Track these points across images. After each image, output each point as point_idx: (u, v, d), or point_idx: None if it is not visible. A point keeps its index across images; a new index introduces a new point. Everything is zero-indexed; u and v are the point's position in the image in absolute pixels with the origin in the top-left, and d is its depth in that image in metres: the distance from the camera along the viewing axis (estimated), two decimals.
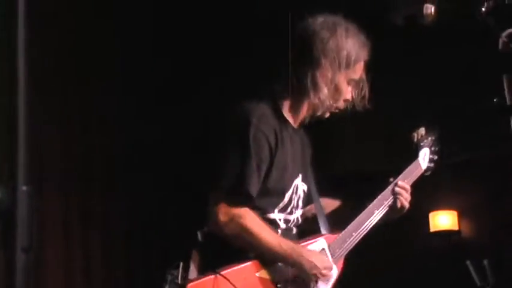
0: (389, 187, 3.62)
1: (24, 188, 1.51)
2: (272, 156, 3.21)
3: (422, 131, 3.77)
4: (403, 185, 3.61)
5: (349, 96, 3.40)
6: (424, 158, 3.78)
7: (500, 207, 6.11)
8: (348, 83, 3.36)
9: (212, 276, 3.04)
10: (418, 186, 6.74)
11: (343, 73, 3.32)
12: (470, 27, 2.93)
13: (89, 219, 5.46)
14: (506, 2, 2.93)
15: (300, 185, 3.40)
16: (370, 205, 3.58)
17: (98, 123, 5.74)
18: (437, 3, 3.16)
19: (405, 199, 3.61)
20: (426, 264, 6.67)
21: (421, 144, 3.76)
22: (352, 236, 3.51)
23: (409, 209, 3.67)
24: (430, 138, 3.81)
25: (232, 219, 3.11)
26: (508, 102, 2.74)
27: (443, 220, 6.95)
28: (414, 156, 3.73)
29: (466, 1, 3.06)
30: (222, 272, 3.03)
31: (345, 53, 3.30)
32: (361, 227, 3.56)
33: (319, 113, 3.37)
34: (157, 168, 6.17)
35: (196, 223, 3.26)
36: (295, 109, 3.36)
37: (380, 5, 4.16)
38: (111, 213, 5.63)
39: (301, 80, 3.29)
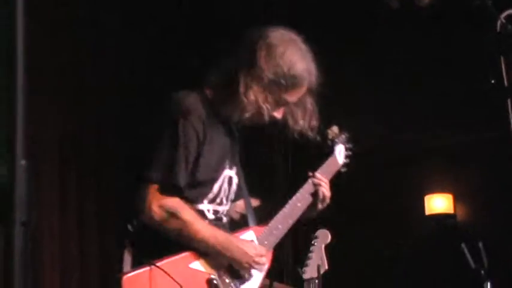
0: (309, 180, 3.61)
1: (22, 162, 1.51)
2: (200, 147, 3.22)
3: (335, 129, 3.84)
4: (321, 177, 3.61)
5: (277, 115, 3.38)
6: (340, 154, 3.84)
7: (495, 190, 6.12)
8: (278, 101, 3.34)
9: (147, 268, 3.04)
10: (413, 170, 6.84)
11: (276, 87, 3.29)
12: (468, 9, 2.93)
13: (84, 192, 5.47)
14: None
15: (233, 177, 3.43)
16: (293, 198, 3.58)
17: (91, 94, 5.73)
18: None
19: (326, 190, 3.61)
20: (421, 247, 6.70)
21: (336, 141, 3.83)
22: (278, 228, 3.49)
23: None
24: (343, 136, 3.88)
25: (166, 211, 3.13)
26: (506, 84, 2.74)
27: (438, 203, 6.98)
28: (330, 152, 3.78)
29: None
30: (156, 262, 3.03)
31: (285, 69, 3.29)
32: (286, 219, 3.53)
33: (244, 116, 3.32)
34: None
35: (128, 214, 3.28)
36: (224, 103, 3.33)
37: None
38: (105, 185, 5.63)
39: (236, 77, 3.27)
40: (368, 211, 6.79)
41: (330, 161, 3.77)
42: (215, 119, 3.31)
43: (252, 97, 3.26)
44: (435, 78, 6.51)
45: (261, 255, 3.34)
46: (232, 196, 3.44)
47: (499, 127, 2.73)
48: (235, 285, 3.30)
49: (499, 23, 2.79)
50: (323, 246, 3.88)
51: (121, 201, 5.63)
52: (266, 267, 3.40)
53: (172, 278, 3.04)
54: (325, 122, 3.72)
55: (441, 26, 6.09)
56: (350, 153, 3.90)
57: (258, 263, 3.32)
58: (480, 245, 4.46)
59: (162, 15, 6.28)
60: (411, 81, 6.67)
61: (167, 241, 3.13)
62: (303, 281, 3.87)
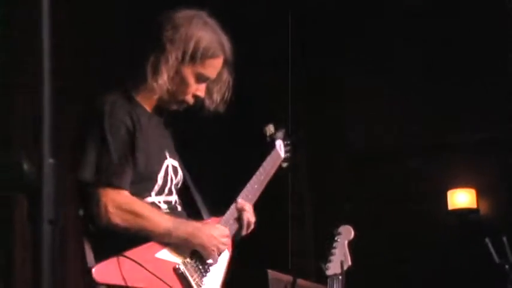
0: (233, 206, 3.53)
1: (50, 160, 1.53)
2: (133, 140, 3.15)
3: (271, 127, 3.86)
4: (244, 202, 3.51)
5: (200, 93, 3.33)
6: (281, 148, 3.86)
7: None
8: (198, 78, 3.29)
9: (114, 258, 2.99)
10: (436, 165, 6.84)
11: (190, 65, 3.25)
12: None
13: None
14: None
15: (177, 167, 3.36)
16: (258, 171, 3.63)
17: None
18: None
19: (250, 215, 3.51)
20: (445, 242, 6.68)
21: (274, 137, 3.84)
22: (232, 222, 3.47)
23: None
24: (281, 132, 3.89)
25: (123, 210, 3.06)
26: None
27: (461, 198, 6.95)
28: (272, 147, 3.81)
29: None
30: (123, 253, 2.99)
31: (192, 44, 3.23)
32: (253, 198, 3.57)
33: (166, 101, 3.30)
34: None
35: None
36: (145, 95, 3.27)
37: None
38: None
39: (146, 66, 3.20)
40: (392, 207, 6.79)
41: (272, 154, 3.77)
42: (140, 112, 3.24)
43: (161, 81, 3.19)
44: (459, 78, 6.51)
45: (226, 236, 3.30)
46: (180, 185, 3.37)
47: None
48: (203, 270, 3.25)
49: None
50: (346, 242, 3.88)
51: None
52: (229, 255, 3.38)
53: (142, 265, 3.00)
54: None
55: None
56: (289, 148, 3.91)
57: (224, 244, 3.28)
58: (504, 239, 4.45)
59: None
60: (435, 79, 6.67)
61: (120, 235, 3.05)
62: (326, 277, 3.88)
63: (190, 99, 3.32)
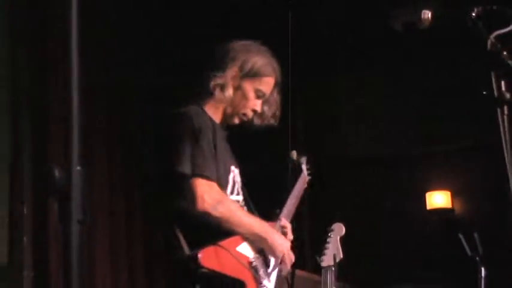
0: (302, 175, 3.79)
1: (78, 168, 1.52)
2: (215, 143, 3.21)
3: (294, 153, 3.93)
4: (285, 224, 3.53)
5: (257, 108, 3.41)
6: (305, 172, 3.91)
7: (487, 188, 6.08)
8: (256, 94, 3.39)
9: (212, 247, 3.03)
10: (416, 170, 6.82)
11: (249, 81, 3.35)
12: (463, 30, 2.92)
13: (131, 193, 5.49)
14: (494, 8, 2.92)
15: (236, 173, 3.38)
16: (291, 194, 3.68)
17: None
18: (433, 9, 3.14)
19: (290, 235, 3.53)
20: (424, 238, 6.67)
21: (300, 161, 3.92)
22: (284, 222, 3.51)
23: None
24: (303, 158, 3.94)
25: (216, 201, 3.08)
26: (496, 95, 2.73)
27: (438, 199, 6.94)
28: (300, 170, 3.89)
29: (458, 7, 3.05)
30: (218, 243, 3.04)
31: (250, 64, 3.35)
32: (290, 214, 3.61)
33: (229, 114, 3.37)
34: None
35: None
36: (213, 110, 3.35)
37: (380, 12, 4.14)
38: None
39: (214, 82, 3.31)
40: (378, 207, 6.78)
41: (302, 177, 3.83)
42: (213, 123, 3.31)
43: (228, 95, 3.30)
44: (441, 93, 6.50)
45: (288, 246, 3.34)
46: (241, 190, 3.40)
47: (491, 133, 2.73)
48: (267, 264, 3.28)
49: (489, 42, 2.78)
50: (338, 237, 3.87)
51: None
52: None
53: (235, 256, 3.07)
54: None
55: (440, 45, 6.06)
56: (310, 171, 3.94)
57: (288, 255, 3.31)
58: (475, 235, 4.44)
59: None
60: (416, 93, 6.67)
61: (210, 227, 3.08)
62: (321, 268, 3.87)
63: (249, 112, 3.40)
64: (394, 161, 6.96)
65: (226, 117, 3.38)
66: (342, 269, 3.83)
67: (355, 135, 7.18)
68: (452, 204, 6.97)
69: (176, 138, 3.17)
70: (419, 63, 6.54)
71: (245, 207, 3.35)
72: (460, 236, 4.44)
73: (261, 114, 3.46)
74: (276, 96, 3.51)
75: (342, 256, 3.80)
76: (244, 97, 3.36)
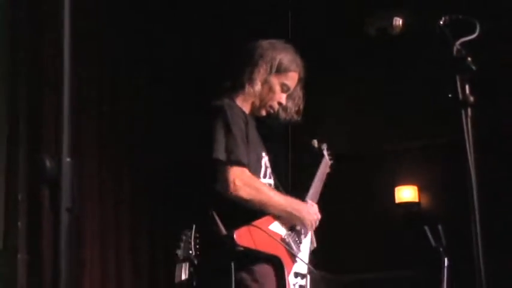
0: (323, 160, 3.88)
1: (68, 159, 1.51)
2: (247, 132, 3.27)
3: (315, 141, 4.00)
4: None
5: (283, 101, 3.49)
6: (327, 157, 3.99)
7: (451, 183, 6.11)
8: (282, 88, 3.46)
9: (246, 226, 3.09)
10: (386, 166, 6.84)
11: (276, 76, 3.42)
12: (431, 36, 2.93)
13: (120, 180, 5.46)
14: (460, 17, 2.93)
15: (267, 159, 3.45)
16: (316, 176, 3.75)
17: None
18: (404, 16, 3.16)
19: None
20: (393, 229, 6.69)
21: (322, 148, 3.99)
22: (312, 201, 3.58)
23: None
24: (323, 145, 4.02)
25: (248, 185, 3.14)
26: (460, 98, 2.75)
27: (406, 193, 6.97)
28: (322, 156, 3.96)
29: (427, 15, 3.06)
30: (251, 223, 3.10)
31: (277, 60, 3.43)
32: (316, 196, 3.67)
33: (257, 106, 3.44)
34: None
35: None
36: (243, 103, 3.42)
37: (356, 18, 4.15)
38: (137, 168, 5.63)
39: (244, 77, 3.38)
40: (351, 200, 6.79)
41: (324, 162, 3.90)
42: (244, 114, 3.38)
43: (257, 88, 3.36)
44: (409, 94, 6.51)
45: (318, 213, 3.44)
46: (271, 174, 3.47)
47: (455, 133, 2.74)
48: (299, 240, 3.35)
49: (455, 48, 2.80)
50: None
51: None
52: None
53: (268, 233, 3.14)
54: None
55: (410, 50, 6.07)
56: (331, 157, 4.01)
57: (316, 220, 3.42)
58: (439, 227, 4.46)
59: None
60: (386, 95, 6.68)
61: (244, 208, 3.16)
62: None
63: (275, 105, 3.48)
64: (365, 157, 6.97)
65: (254, 109, 3.46)
66: (316, 255, 3.83)
67: (329, 132, 7.18)
68: (419, 198, 7.00)
69: (212, 128, 3.24)
70: (389, 65, 6.55)
71: (276, 190, 3.41)
72: (425, 228, 4.45)
73: (285, 109, 3.53)
74: (299, 92, 3.58)
75: (315, 245, 3.81)
76: (271, 91, 3.43)
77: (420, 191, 7.01)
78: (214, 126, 3.22)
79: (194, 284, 3.13)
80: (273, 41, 3.53)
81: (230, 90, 3.43)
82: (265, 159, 3.41)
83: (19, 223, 4.75)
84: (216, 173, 3.17)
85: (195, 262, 3.74)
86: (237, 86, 3.41)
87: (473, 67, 2.73)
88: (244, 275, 3.11)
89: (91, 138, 5.27)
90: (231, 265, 3.04)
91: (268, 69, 3.41)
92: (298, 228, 3.38)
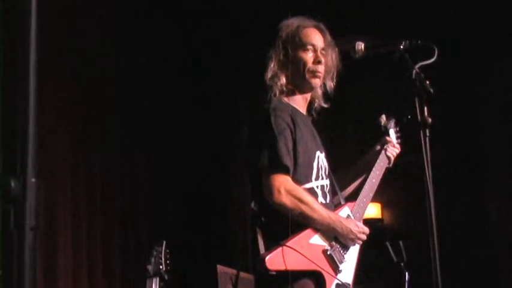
0: (382, 152, 3.67)
1: (32, 179, 1.47)
2: (293, 135, 3.14)
3: (384, 117, 3.77)
4: (393, 148, 3.68)
5: (316, 59, 3.29)
6: (392, 134, 3.79)
7: (412, 201, 6.13)
8: (304, 51, 3.29)
9: (279, 248, 2.96)
10: None
11: (291, 48, 3.27)
12: (390, 60, 2.94)
13: (93, 199, 5.32)
14: (419, 42, 2.95)
15: (322, 158, 3.31)
16: (372, 173, 3.61)
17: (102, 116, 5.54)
18: (366, 41, 3.17)
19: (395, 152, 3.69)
20: None
21: (388, 126, 3.77)
22: (363, 201, 3.48)
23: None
24: (392, 121, 3.80)
25: (292, 195, 3.03)
26: (419, 119, 2.76)
27: (370, 210, 6.98)
28: (387, 133, 3.76)
29: (387, 40, 3.07)
30: (285, 243, 2.97)
31: (284, 36, 3.30)
32: (368, 194, 3.56)
33: (301, 86, 3.30)
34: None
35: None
36: (288, 97, 3.30)
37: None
38: (111, 189, 5.50)
39: (267, 74, 3.27)
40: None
41: (381, 159, 3.71)
42: (297, 113, 3.25)
43: (281, 83, 3.25)
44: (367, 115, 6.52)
45: (363, 232, 3.31)
46: (326, 175, 3.33)
47: (413, 152, 2.74)
48: (342, 252, 3.22)
49: (414, 71, 2.81)
50: None
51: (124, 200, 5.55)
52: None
53: (301, 254, 2.99)
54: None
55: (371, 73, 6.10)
56: (399, 134, 3.82)
57: (360, 239, 3.28)
58: (400, 243, 4.47)
59: None
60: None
61: (287, 221, 3.00)
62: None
63: (313, 66, 3.29)
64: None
65: (302, 90, 3.33)
66: None
67: None
68: (382, 215, 7.01)
69: (256, 136, 3.18)
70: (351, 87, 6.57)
71: (328, 194, 3.29)
72: (387, 244, 4.45)
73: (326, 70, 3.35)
74: (332, 55, 3.38)
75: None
76: (299, 60, 3.27)
77: (383, 208, 7.03)
78: (259, 135, 3.14)
79: None
80: (291, 19, 3.36)
81: (271, 90, 3.27)
82: (319, 158, 3.26)
83: None
84: (262, 181, 3.06)
85: (165, 277, 3.70)
86: (272, 84, 3.26)
87: (431, 90, 2.74)
88: None
89: (63, 154, 5.12)
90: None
91: (282, 52, 3.26)
92: (342, 240, 3.24)
